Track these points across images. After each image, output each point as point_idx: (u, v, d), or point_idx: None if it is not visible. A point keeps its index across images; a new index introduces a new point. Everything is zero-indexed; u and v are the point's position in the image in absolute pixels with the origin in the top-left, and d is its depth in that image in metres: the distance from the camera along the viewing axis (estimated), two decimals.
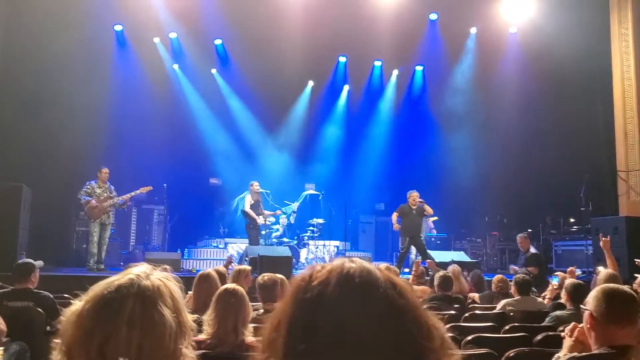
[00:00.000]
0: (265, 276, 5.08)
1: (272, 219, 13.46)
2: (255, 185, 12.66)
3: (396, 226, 11.75)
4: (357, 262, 1.10)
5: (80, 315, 1.35)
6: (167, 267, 1.57)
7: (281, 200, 13.99)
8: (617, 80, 12.86)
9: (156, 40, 14.80)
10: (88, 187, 10.75)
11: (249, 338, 3.45)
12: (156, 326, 1.34)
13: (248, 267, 6.48)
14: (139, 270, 1.43)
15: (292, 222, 14.34)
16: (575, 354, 2.74)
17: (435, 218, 13.32)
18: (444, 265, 8.77)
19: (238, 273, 6.15)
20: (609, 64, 13.00)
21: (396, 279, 1.10)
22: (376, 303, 1.04)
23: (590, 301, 2.82)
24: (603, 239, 7.70)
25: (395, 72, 16.57)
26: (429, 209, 11.92)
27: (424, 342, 1.03)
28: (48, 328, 5.18)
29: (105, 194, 10.80)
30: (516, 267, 10.53)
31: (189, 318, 1.45)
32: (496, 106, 15.09)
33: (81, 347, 1.31)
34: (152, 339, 1.33)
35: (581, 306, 3.06)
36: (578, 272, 8.03)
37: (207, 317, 3.49)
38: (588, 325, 2.79)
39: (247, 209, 12.48)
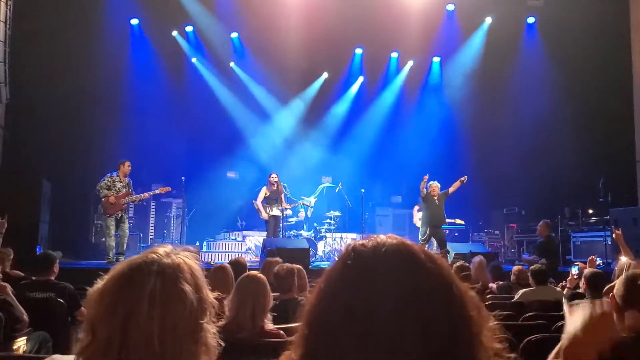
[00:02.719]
0: (283, 266, 5.07)
1: (290, 212, 13.48)
2: (273, 177, 12.33)
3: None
4: (394, 237, 1.16)
5: (102, 293, 1.38)
6: (191, 247, 1.59)
7: (298, 194, 14.01)
8: (637, 70, 12.72)
9: (174, 33, 14.91)
10: (108, 179, 10.44)
11: (269, 325, 3.47)
12: (177, 302, 1.37)
13: (279, 259, 6.32)
14: (161, 250, 1.46)
15: (309, 216, 14.38)
16: None
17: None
18: (464, 257, 8.80)
19: (269, 264, 6.15)
20: (628, 53, 12.86)
21: (431, 253, 1.15)
22: (403, 266, 1.08)
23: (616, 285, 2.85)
24: (616, 231, 7.64)
25: (410, 63, 16.49)
26: (454, 186, 11.84)
27: (458, 309, 1.09)
28: (69, 319, 5.25)
29: (125, 189, 10.56)
30: (525, 256, 10.49)
31: (210, 295, 1.47)
32: (513, 98, 15.00)
33: (104, 323, 1.34)
34: (173, 315, 1.35)
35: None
36: (598, 261, 7.97)
37: (228, 302, 3.51)
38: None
39: (258, 201, 12.32)
